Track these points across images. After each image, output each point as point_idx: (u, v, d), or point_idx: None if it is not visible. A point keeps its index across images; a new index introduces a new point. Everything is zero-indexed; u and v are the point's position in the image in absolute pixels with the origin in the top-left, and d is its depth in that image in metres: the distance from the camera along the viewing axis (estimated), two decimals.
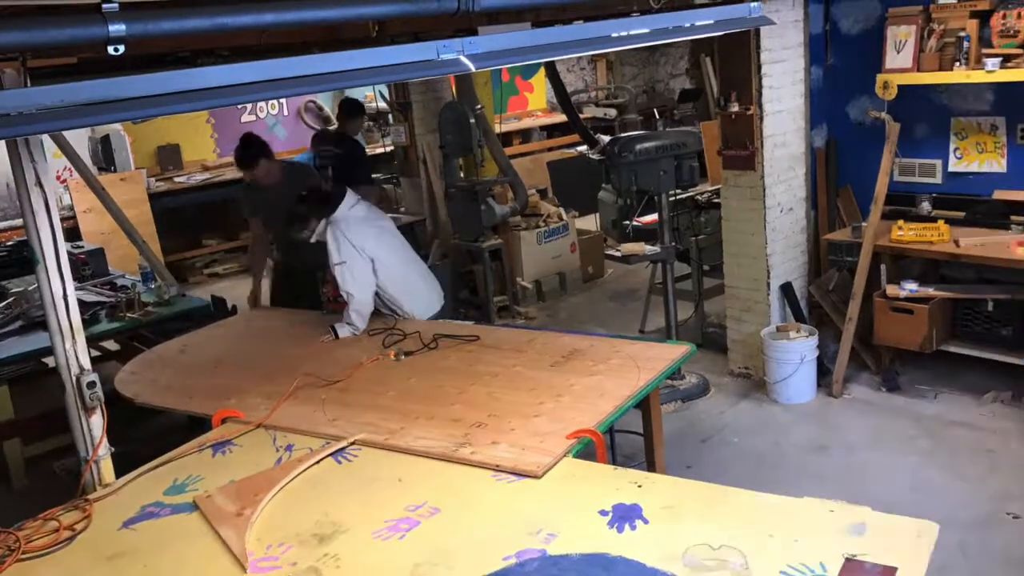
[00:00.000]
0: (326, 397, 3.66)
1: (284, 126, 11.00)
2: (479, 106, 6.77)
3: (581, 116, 9.43)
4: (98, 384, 3.08)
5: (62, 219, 3.54)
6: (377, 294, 4.58)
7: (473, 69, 3.00)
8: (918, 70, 5.04)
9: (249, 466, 3.10)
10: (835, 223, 5.88)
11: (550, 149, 11.28)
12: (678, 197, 6.19)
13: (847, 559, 2.22)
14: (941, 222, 5.15)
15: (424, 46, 2.94)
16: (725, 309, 5.88)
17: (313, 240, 4.60)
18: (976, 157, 5.36)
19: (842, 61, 5.71)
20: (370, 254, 4.51)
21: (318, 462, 3.08)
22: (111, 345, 5.71)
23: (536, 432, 3.14)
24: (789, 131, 5.54)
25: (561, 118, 10.56)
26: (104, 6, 2.25)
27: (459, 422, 3.29)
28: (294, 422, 3.44)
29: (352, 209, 4.58)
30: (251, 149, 5.29)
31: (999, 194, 5.28)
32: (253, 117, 10.69)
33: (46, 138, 3.11)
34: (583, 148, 7.98)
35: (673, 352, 3.82)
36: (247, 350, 4.48)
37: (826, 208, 5.88)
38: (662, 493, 2.65)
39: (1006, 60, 4.71)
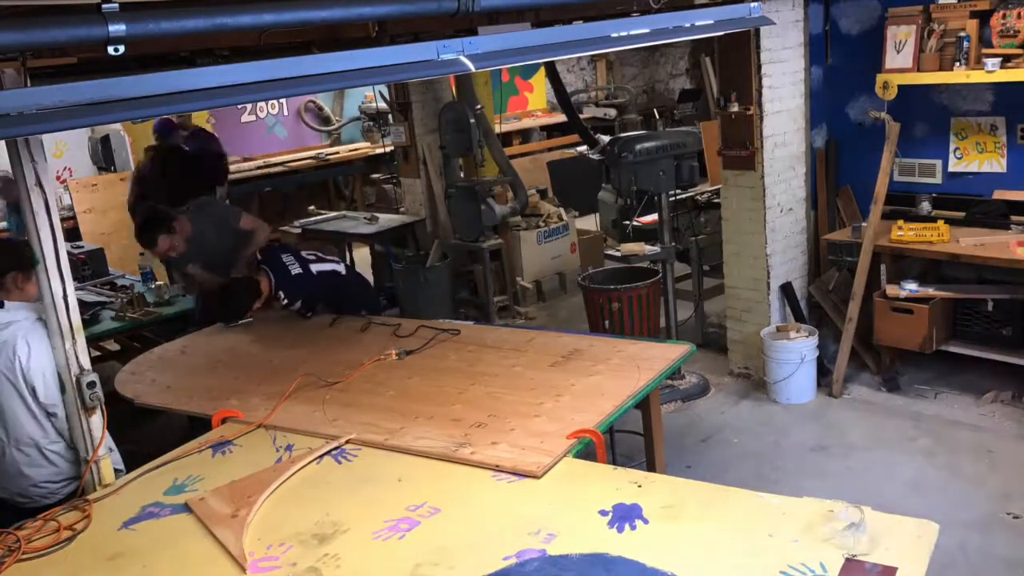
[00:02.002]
0: (328, 397, 3.66)
1: (284, 126, 11.00)
2: (479, 106, 6.77)
3: (581, 116, 9.43)
4: (98, 384, 3.08)
5: (62, 219, 3.54)
6: None
7: (473, 69, 3.00)
8: (918, 70, 5.04)
9: (249, 466, 3.10)
10: (835, 223, 5.88)
11: (550, 149, 11.27)
12: (678, 197, 6.19)
13: (847, 559, 2.22)
14: (941, 222, 5.15)
15: (424, 46, 2.94)
16: (725, 309, 5.88)
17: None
18: (976, 157, 5.35)
19: (842, 61, 5.71)
20: None
21: (309, 463, 3.08)
22: (111, 345, 5.71)
23: (536, 432, 3.14)
24: (789, 131, 5.54)
25: (561, 118, 10.55)
26: (104, 6, 2.25)
27: (459, 422, 3.29)
28: (295, 422, 3.44)
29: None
30: (147, 231, 5.09)
31: (999, 194, 5.28)
32: (253, 117, 10.69)
33: (46, 138, 3.10)
34: (583, 148, 7.98)
35: (673, 352, 3.82)
36: (248, 351, 4.48)
37: (826, 208, 5.88)
38: (662, 493, 2.65)
39: (1006, 60, 4.71)
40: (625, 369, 3.64)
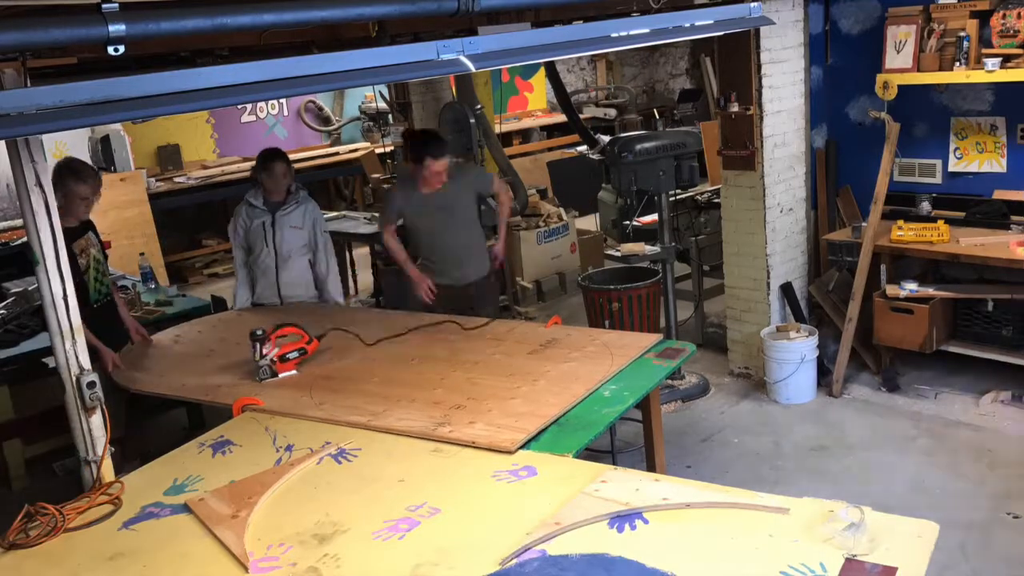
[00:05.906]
0: (317, 384, 3.76)
1: (284, 126, 11.01)
2: (479, 106, 6.78)
3: (581, 116, 9.42)
4: (98, 384, 3.08)
5: None
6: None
7: (473, 69, 3.00)
8: (918, 70, 5.05)
9: (249, 466, 3.09)
10: (835, 223, 5.88)
11: (550, 149, 11.29)
12: (678, 197, 6.19)
13: (847, 559, 2.22)
14: (941, 222, 5.15)
15: (424, 46, 2.94)
16: (725, 309, 5.88)
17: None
18: (976, 157, 5.36)
19: (842, 61, 5.71)
20: None
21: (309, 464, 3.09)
22: None
23: (512, 413, 3.27)
24: (789, 131, 5.53)
25: (561, 118, 10.56)
26: (104, 6, 2.26)
27: (439, 404, 3.41)
28: (283, 406, 3.55)
29: None
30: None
31: (999, 194, 5.28)
32: (253, 117, 10.70)
33: (46, 138, 3.10)
34: (583, 148, 7.98)
35: (646, 340, 3.91)
36: (238, 340, 4.51)
37: (826, 208, 5.88)
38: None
39: (1006, 60, 4.71)
40: (599, 356, 3.75)
